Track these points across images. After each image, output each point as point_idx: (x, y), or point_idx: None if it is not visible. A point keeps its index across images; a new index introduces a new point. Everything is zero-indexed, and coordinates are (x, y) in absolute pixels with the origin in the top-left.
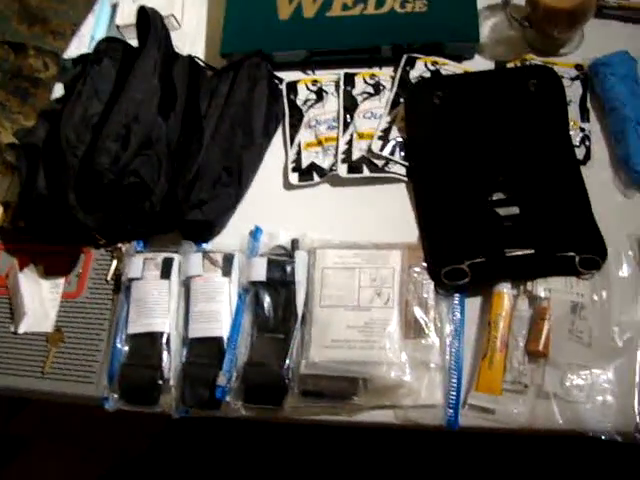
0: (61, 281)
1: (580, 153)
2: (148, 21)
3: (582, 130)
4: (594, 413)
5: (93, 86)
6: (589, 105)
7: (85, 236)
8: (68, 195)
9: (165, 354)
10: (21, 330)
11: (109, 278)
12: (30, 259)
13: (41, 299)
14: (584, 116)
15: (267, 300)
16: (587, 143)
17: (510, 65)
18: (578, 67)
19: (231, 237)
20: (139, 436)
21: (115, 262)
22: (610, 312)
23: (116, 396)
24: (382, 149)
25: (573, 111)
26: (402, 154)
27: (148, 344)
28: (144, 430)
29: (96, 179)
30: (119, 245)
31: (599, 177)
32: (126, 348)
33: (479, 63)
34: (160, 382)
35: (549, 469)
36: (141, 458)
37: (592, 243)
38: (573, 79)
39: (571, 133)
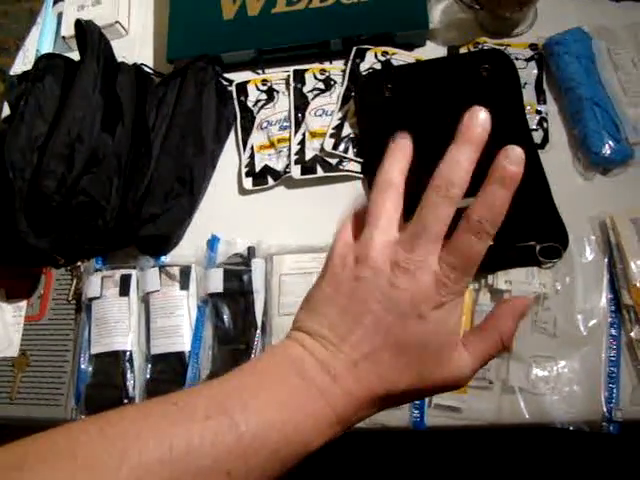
0: (23, 304)
1: (538, 137)
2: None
3: (539, 113)
4: (561, 404)
5: (36, 105)
6: (545, 86)
7: (44, 257)
8: (18, 220)
9: (128, 372)
10: None
11: (70, 298)
12: None
13: (4, 324)
14: (540, 98)
15: (226, 311)
16: (545, 126)
17: (463, 50)
18: (533, 47)
19: (189, 248)
20: None
21: (75, 281)
22: (574, 300)
23: (83, 417)
24: (335, 147)
25: (529, 93)
26: (355, 150)
27: (111, 363)
28: None
29: (44, 202)
30: (78, 264)
31: (558, 160)
32: (90, 368)
33: (431, 50)
34: (125, 401)
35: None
36: None
37: (553, 231)
38: (528, 60)
39: (528, 116)
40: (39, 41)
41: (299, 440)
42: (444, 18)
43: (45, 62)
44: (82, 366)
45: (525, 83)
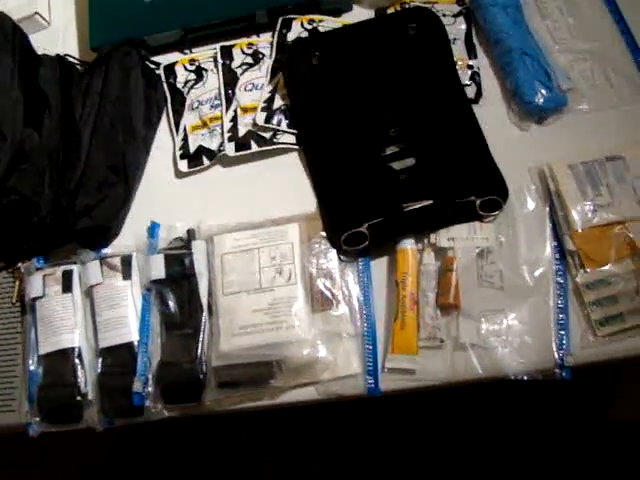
0: None
1: (471, 91)
2: None
3: (470, 67)
4: (513, 356)
5: None
6: (475, 40)
7: None
8: None
9: (79, 369)
10: None
11: (14, 300)
12: None
13: None
14: (471, 53)
15: (170, 297)
16: (477, 80)
17: (390, 11)
18: (460, 2)
19: (130, 237)
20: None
21: (18, 283)
22: (518, 251)
23: (38, 419)
24: (267, 120)
25: (459, 49)
26: (288, 122)
27: (61, 362)
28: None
29: None
30: (19, 265)
31: (493, 113)
32: (40, 369)
33: (359, 14)
34: (79, 398)
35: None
36: (106, 466)
37: (491, 184)
38: (456, 15)
39: (459, 72)
40: None
41: None
42: None
43: None
44: (31, 368)
45: (455, 39)
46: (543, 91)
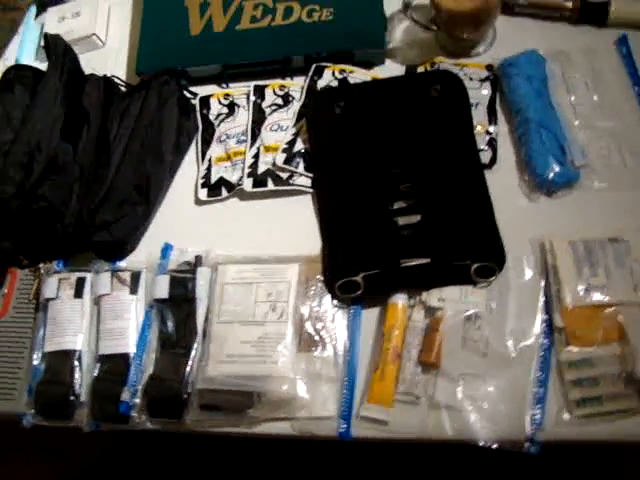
0: None
1: (486, 157)
2: None
3: (489, 133)
4: (485, 423)
5: (4, 114)
6: (498, 107)
7: (7, 257)
8: None
9: (77, 371)
10: None
11: (31, 298)
12: None
13: None
14: (492, 119)
15: (169, 317)
16: (494, 146)
17: (420, 69)
18: (489, 68)
19: (144, 254)
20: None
21: (37, 282)
22: (506, 320)
23: (33, 412)
24: (287, 161)
25: (481, 114)
26: (305, 166)
27: (62, 362)
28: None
29: (2, 206)
30: (40, 265)
31: (505, 180)
32: (43, 366)
33: (390, 68)
34: (72, 398)
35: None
36: (107, 460)
37: (490, 250)
38: (483, 80)
39: (477, 137)
40: (18, 51)
41: None
42: (405, 37)
43: (14, 73)
44: (35, 363)
45: (477, 103)
46: (555, 166)
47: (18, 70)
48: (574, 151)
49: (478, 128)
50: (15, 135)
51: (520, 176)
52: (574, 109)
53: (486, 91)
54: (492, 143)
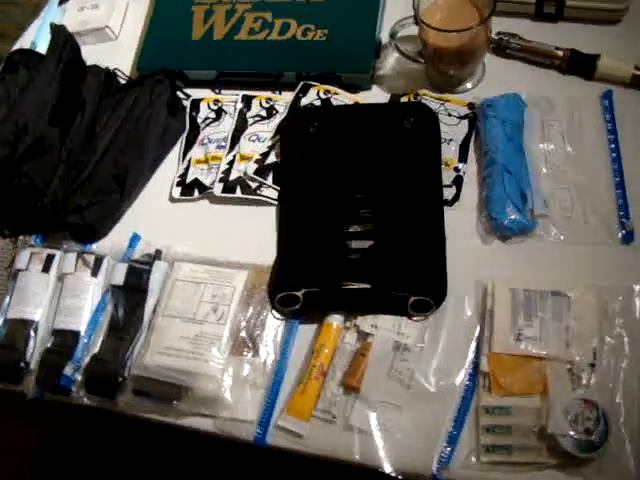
0: None
1: (450, 193)
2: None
3: (457, 170)
4: (394, 452)
5: (6, 93)
6: (471, 146)
7: None
8: None
9: (31, 340)
10: None
11: (6, 266)
12: None
13: None
14: (462, 156)
15: (121, 303)
16: (459, 184)
17: (404, 99)
18: (470, 106)
19: (114, 241)
20: (73, 412)
21: (14, 253)
22: (434, 356)
23: None
24: (257, 172)
25: (452, 150)
26: (274, 178)
27: (20, 330)
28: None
29: None
30: (20, 237)
31: (464, 219)
32: (3, 331)
33: (375, 94)
34: (22, 365)
35: None
36: (75, 434)
37: (430, 286)
38: (462, 118)
39: (444, 173)
40: (37, 34)
41: None
42: (396, 66)
43: (18, 56)
44: None
45: (451, 139)
46: (512, 212)
47: (22, 54)
48: (536, 199)
49: (446, 164)
50: (6, 114)
51: (478, 217)
52: (545, 157)
53: (462, 128)
54: (458, 180)
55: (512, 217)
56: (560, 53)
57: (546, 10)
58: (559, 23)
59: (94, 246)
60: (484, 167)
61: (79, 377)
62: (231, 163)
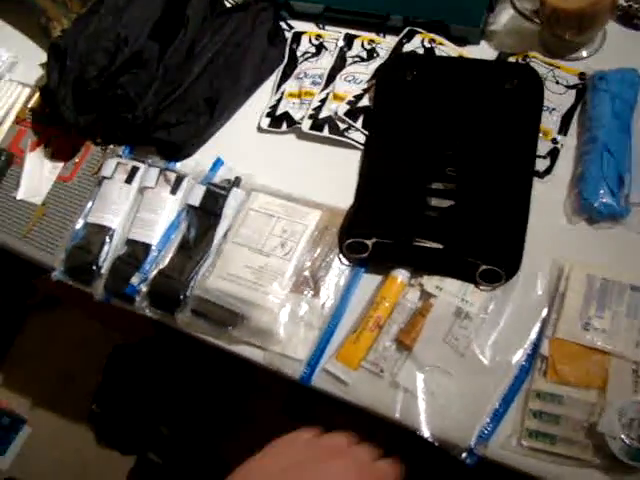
0: (60, 165)
1: (543, 165)
2: None
3: (554, 142)
4: (436, 418)
5: (115, 4)
6: (575, 118)
7: (88, 132)
8: (65, 96)
9: (106, 246)
10: (18, 197)
11: (94, 172)
12: (43, 141)
13: (40, 176)
14: (563, 128)
15: (194, 223)
16: (554, 156)
17: (512, 59)
18: (581, 76)
19: (198, 162)
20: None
21: (102, 160)
22: (494, 330)
23: (62, 269)
24: (348, 114)
25: (553, 120)
26: (363, 122)
27: (97, 234)
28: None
29: (84, 85)
30: (110, 146)
31: (552, 194)
32: (82, 233)
33: (481, 50)
34: (94, 268)
35: None
36: (147, 340)
37: (505, 257)
38: (570, 87)
39: (540, 142)
40: None
41: None
42: (509, 23)
43: None
44: (77, 227)
45: (554, 109)
46: (605, 195)
47: None
48: (634, 186)
49: (543, 133)
50: (111, 24)
51: (567, 194)
52: None
53: (569, 98)
54: (554, 153)
55: (604, 200)
56: None
57: None
58: None
59: (178, 165)
60: (584, 143)
61: (144, 288)
62: (323, 101)
